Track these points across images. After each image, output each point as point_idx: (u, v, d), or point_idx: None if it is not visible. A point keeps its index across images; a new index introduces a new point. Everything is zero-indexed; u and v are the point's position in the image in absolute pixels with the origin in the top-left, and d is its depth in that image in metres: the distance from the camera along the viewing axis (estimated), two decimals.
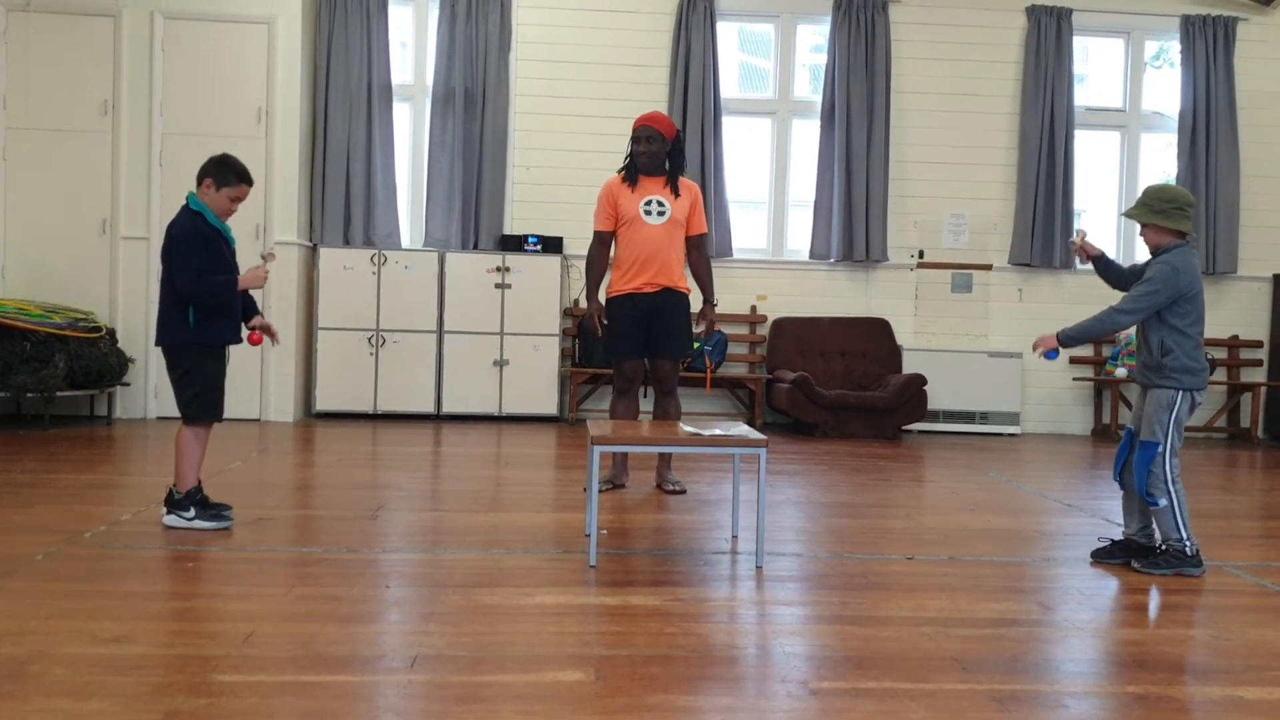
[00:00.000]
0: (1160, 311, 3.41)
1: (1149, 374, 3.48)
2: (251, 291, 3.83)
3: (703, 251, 4.80)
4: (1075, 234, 3.81)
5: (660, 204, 4.62)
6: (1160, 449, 3.42)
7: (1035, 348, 3.65)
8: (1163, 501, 3.41)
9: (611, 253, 4.76)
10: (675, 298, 4.67)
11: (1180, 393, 3.42)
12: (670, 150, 4.67)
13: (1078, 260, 3.71)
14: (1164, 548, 3.47)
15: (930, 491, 5.22)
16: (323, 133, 7.51)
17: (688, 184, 4.74)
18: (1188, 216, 3.42)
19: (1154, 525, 3.52)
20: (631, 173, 4.67)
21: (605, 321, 4.71)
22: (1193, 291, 3.40)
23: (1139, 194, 3.62)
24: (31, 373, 6.21)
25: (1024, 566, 3.54)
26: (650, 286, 4.62)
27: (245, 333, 3.81)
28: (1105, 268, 3.71)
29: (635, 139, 4.64)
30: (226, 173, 3.68)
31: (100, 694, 2.12)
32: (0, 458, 5.22)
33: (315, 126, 7.54)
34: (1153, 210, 3.42)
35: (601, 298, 4.76)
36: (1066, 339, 3.55)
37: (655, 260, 4.60)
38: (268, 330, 3.85)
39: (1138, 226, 3.51)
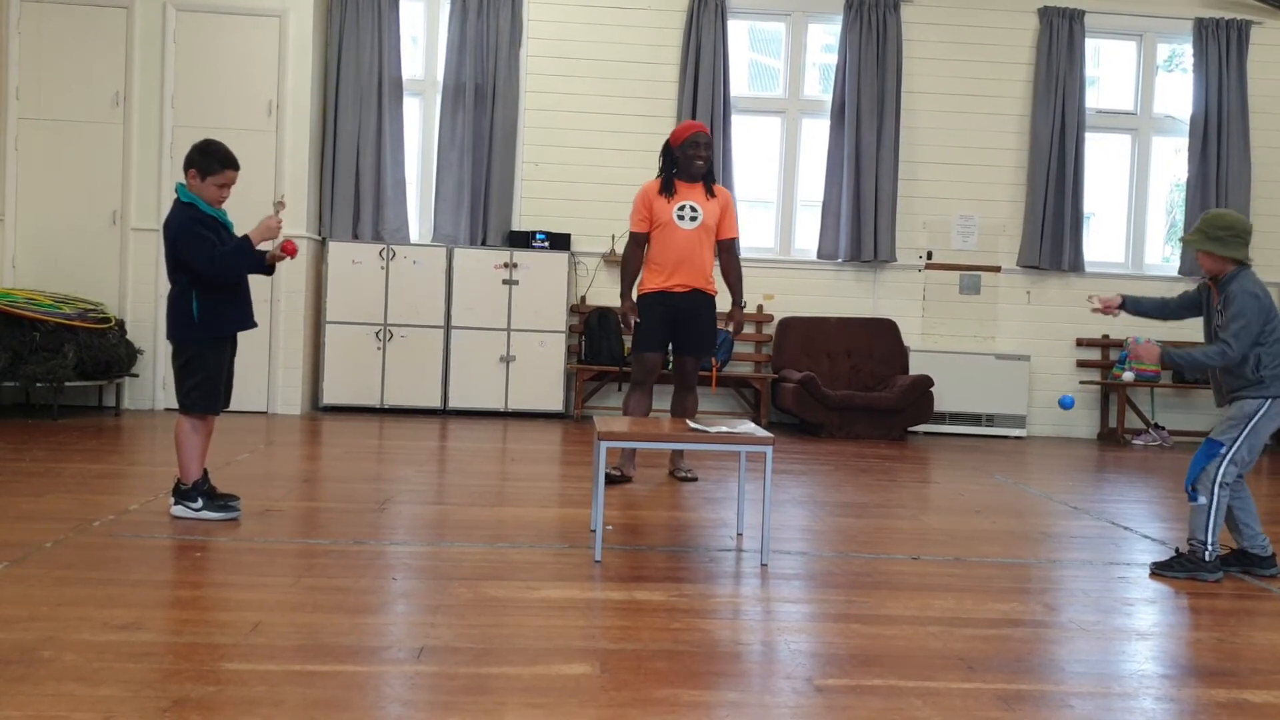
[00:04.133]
0: None
1: (1245, 390, 3.44)
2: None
3: (733, 255, 4.95)
4: (1091, 300, 3.79)
5: (694, 209, 4.80)
6: (1224, 450, 3.41)
7: (1132, 356, 3.60)
8: (1202, 500, 3.41)
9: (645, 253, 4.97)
10: (703, 299, 4.87)
11: (1269, 401, 3.39)
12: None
13: (1107, 315, 3.71)
14: (1184, 549, 3.48)
15: (936, 492, 5.21)
16: (333, 126, 7.52)
17: (721, 190, 4.94)
18: (1245, 244, 3.43)
19: (1262, 535, 3.50)
20: (669, 183, 4.85)
21: (638, 320, 4.89)
22: (1274, 309, 3.42)
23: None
24: (41, 363, 6.23)
25: (1029, 568, 3.54)
26: (680, 287, 4.83)
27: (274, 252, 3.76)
28: (1136, 306, 3.71)
29: (694, 144, 4.79)
30: (209, 161, 3.60)
31: (110, 680, 2.13)
32: (10, 447, 5.25)
33: (325, 120, 7.55)
34: (1209, 237, 3.42)
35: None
36: (1170, 359, 3.52)
37: (686, 263, 4.81)
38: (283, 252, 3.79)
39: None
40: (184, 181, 3.68)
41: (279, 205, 3.78)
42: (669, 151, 4.88)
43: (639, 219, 4.88)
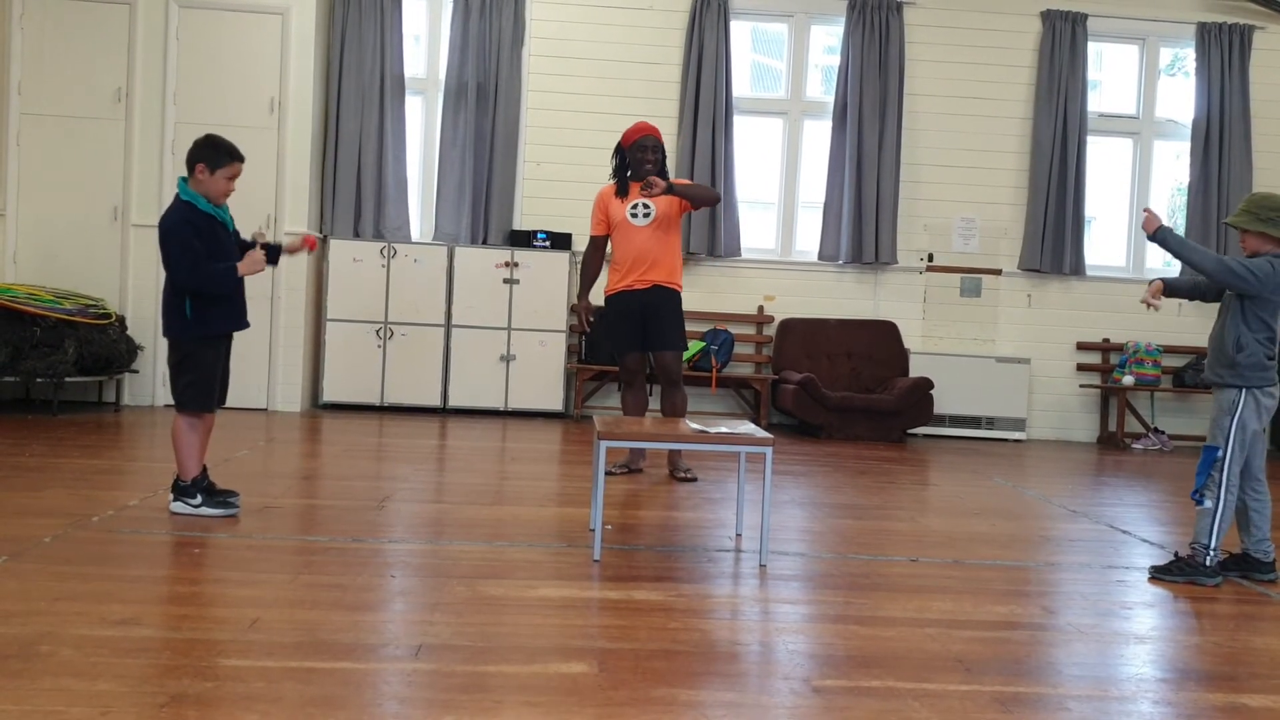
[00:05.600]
0: (1243, 307, 3.42)
1: (1221, 371, 3.46)
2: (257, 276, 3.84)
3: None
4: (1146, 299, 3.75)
5: (646, 206, 4.87)
6: (1220, 454, 3.41)
7: (1145, 224, 3.54)
8: (1209, 503, 3.41)
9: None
10: (665, 293, 4.94)
11: (1243, 392, 3.40)
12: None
13: (1154, 304, 3.67)
14: (1184, 553, 3.48)
15: (935, 495, 5.21)
16: (335, 124, 7.52)
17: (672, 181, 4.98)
18: None
19: (1268, 540, 3.49)
20: (623, 185, 4.94)
21: (592, 319, 5.07)
22: (1278, 296, 3.42)
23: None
24: (41, 358, 6.23)
25: (1028, 570, 3.54)
26: (640, 283, 4.90)
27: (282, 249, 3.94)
28: (1173, 286, 3.67)
29: (641, 148, 4.87)
30: (218, 154, 3.61)
31: (108, 675, 2.13)
32: (9, 442, 5.25)
33: (327, 118, 7.55)
34: (1260, 219, 3.42)
35: (601, 299, 5.07)
36: (1162, 237, 3.46)
37: (643, 259, 4.89)
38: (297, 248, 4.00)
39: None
40: (184, 177, 3.67)
41: (258, 235, 3.85)
42: (621, 153, 4.97)
43: (596, 222, 5.02)
